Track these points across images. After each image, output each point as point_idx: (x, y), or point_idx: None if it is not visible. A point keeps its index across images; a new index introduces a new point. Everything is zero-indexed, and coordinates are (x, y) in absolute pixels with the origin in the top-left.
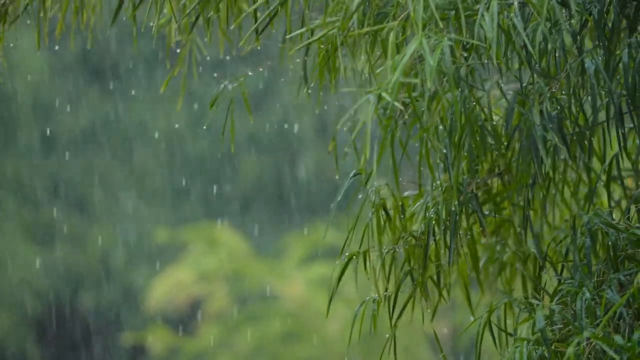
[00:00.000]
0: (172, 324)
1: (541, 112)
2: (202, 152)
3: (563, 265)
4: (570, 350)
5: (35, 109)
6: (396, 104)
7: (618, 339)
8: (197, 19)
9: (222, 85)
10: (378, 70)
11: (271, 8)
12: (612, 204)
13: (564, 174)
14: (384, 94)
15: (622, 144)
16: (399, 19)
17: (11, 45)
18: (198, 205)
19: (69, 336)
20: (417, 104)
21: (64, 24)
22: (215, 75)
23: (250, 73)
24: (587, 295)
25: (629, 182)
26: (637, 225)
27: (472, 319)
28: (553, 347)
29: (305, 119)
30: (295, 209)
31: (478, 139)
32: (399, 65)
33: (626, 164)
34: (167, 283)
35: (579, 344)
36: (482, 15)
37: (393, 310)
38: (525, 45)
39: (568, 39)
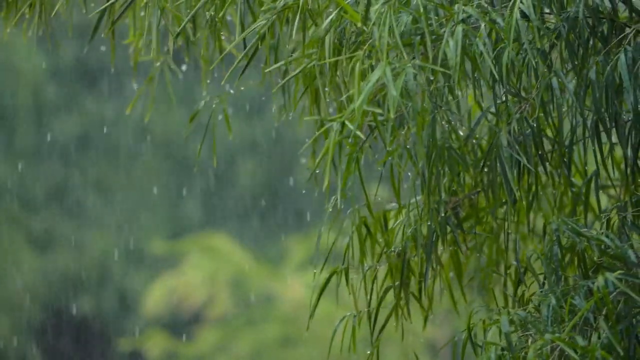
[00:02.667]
0: (170, 329)
1: (509, 132)
2: (201, 157)
3: (541, 277)
4: (530, 353)
5: (33, 113)
6: (358, 133)
7: (579, 340)
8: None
9: (202, 102)
10: (341, 98)
11: (248, 47)
12: (590, 218)
13: (542, 189)
14: (346, 122)
15: (598, 161)
16: (364, 47)
17: None
18: (196, 211)
19: (68, 342)
20: (383, 128)
21: (51, 27)
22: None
23: (232, 91)
24: (553, 302)
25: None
26: (605, 231)
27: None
28: (524, 352)
29: (302, 124)
30: (294, 213)
31: (447, 160)
32: (362, 93)
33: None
34: (165, 288)
35: (541, 347)
36: (447, 40)
37: (374, 326)
38: (492, 70)
39: (537, 59)
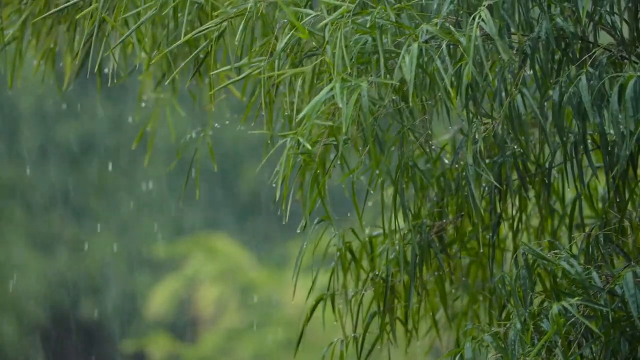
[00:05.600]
0: (173, 331)
1: (477, 151)
2: (203, 160)
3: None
4: None
5: (37, 116)
6: (307, 145)
7: None
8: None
9: (188, 136)
10: (294, 116)
11: (202, 46)
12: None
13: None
14: (300, 139)
15: (578, 186)
16: (313, 64)
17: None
18: (199, 214)
19: (71, 344)
20: (344, 147)
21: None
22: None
23: (217, 125)
24: (518, 326)
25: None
26: (565, 256)
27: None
28: None
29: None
30: (296, 217)
31: (412, 178)
32: (310, 106)
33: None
34: (167, 291)
35: None
36: (403, 57)
37: (361, 351)
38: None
39: (505, 77)
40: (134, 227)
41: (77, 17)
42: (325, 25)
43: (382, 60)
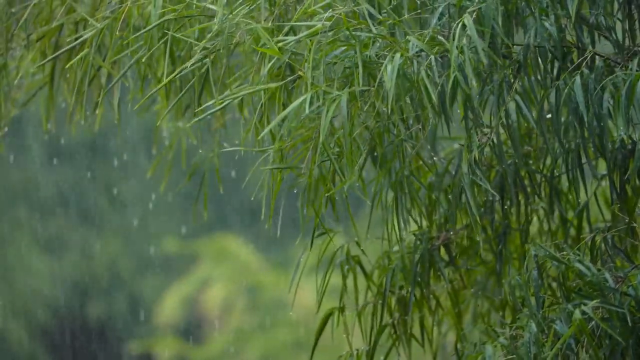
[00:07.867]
0: (181, 333)
1: (474, 160)
2: (211, 161)
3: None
4: None
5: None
6: (273, 160)
7: None
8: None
9: (198, 154)
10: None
11: (190, 84)
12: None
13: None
14: (273, 150)
15: (579, 191)
16: (282, 82)
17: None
18: (208, 216)
19: (78, 345)
20: (335, 160)
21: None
22: None
23: (225, 144)
24: (534, 328)
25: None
26: (576, 257)
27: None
28: None
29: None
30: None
31: (409, 189)
32: (280, 118)
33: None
34: (175, 292)
35: None
36: (385, 66)
37: None
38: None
39: (500, 87)
40: (141, 228)
41: (67, 66)
42: (307, 45)
43: (361, 71)
